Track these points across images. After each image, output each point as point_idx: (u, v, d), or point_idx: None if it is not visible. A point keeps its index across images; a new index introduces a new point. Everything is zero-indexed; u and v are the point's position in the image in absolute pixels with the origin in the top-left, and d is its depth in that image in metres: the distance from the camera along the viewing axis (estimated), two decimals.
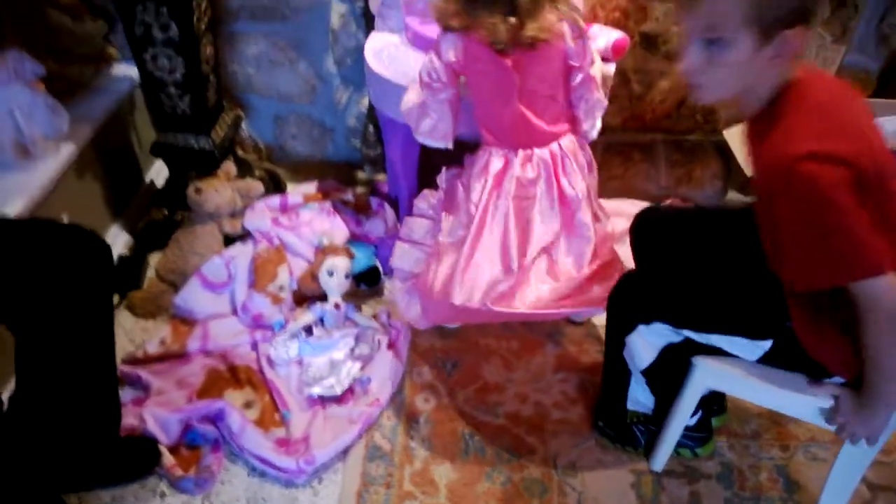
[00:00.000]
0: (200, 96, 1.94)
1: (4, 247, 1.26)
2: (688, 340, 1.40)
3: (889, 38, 2.18)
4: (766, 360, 1.33)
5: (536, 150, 1.63)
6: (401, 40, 1.90)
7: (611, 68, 1.84)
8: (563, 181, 1.65)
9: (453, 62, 1.55)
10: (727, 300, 1.34)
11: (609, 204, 2.32)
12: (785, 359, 1.32)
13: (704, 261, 1.49)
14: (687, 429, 1.56)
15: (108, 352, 1.40)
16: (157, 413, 1.59)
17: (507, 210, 1.63)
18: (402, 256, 1.84)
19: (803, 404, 1.32)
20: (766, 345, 1.30)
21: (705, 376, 1.40)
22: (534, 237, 1.63)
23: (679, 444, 1.59)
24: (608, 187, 2.47)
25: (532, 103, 1.59)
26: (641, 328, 1.40)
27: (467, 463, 1.62)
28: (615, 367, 1.55)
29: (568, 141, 1.67)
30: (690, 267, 1.53)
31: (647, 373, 1.51)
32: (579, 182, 1.66)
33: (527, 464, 1.63)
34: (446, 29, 1.53)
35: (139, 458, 1.54)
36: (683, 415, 1.49)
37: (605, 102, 1.70)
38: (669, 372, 1.49)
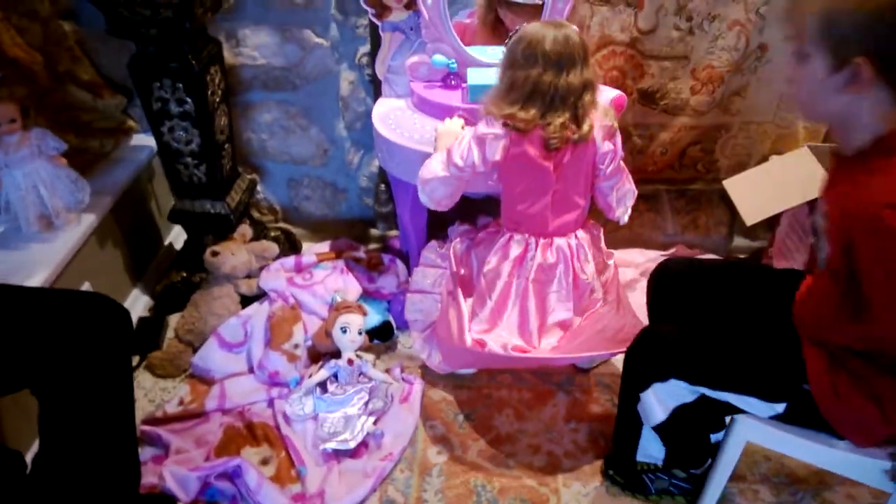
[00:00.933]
0: (216, 164, 2.04)
1: (28, 315, 1.33)
2: (701, 399, 1.41)
3: None
4: (782, 420, 1.35)
5: (556, 240, 1.71)
6: (406, 105, 1.99)
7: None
8: (578, 268, 1.72)
9: (496, 160, 1.61)
10: (744, 359, 1.36)
11: (617, 254, 2.37)
12: (801, 420, 1.34)
13: (721, 317, 1.52)
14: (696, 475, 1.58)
15: (128, 413, 1.45)
16: (176, 471, 1.63)
17: (525, 291, 1.70)
18: (414, 307, 1.92)
19: (852, 463, 1.34)
20: (780, 407, 1.32)
21: (747, 430, 1.41)
22: (550, 315, 1.72)
23: (675, 490, 1.63)
24: (616, 237, 2.53)
25: (560, 201, 1.67)
26: (657, 385, 1.42)
27: None
28: (628, 420, 1.56)
29: (584, 232, 1.76)
30: (707, 323, 1.55)
31: (658, 429, 1.53)
32: (590, 268, 1.75)
33: None
34: (510, 128, 1.57)
35: None
36: (724, 471, 1.50)
37: (636, 191, 1.80)
38: (682, 429, 1.51)
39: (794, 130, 2.26)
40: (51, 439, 1.36)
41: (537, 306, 1.72)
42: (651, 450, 1.60)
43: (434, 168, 1.66)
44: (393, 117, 1.93)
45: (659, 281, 1.64)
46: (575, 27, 1.56)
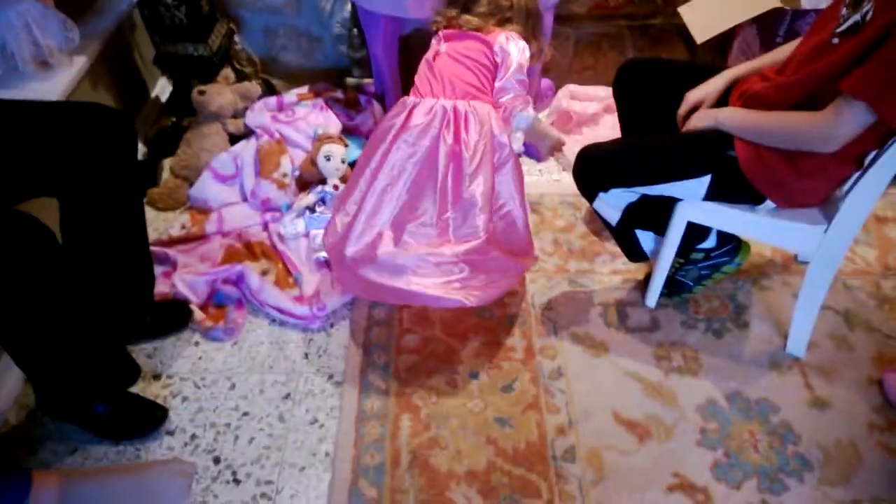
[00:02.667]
0: (195, 5, 2.13)
1: (41, 124, 1.45)
2: (643, 198, 1.62)
3: None
4: (710, 198, 1.55)
5: (442, 100, 1.67)
6: None
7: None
8: (463, 137, 1.63)
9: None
10: (667, 148, 1.55)
11: (582, 90, 2.53)
12: (726, 192, 1.54)
13: (671, 107, 1.68)
14: (712, 251, 1.77)
15: (139, 218, 1.63)
16: (186, 278, 1.84)
17: (398, 166, 1.63)
18: None
19: (774, 227, 1.55)
20: (706, 179, 1.52)
21: (685, 210, 1.61)
22: (421, 206, 1.65)
23: (705, 271, 1.81)
24: (582, 77, 2.68)
25: (453, 62, 1.73)
26: (601, 195, 1.62)
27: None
28: (612, 230, 1.77)
29: (485, 107, 1.69)
30: (661, 114, 1.73)
31: (617, 230, 1.74)
32: (481, 149, 1.63)
33: (508, 303, 1.88)
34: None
35: (174, 316, 1.79)
36: (670, 249, 1.71)
37: (532, 116, 1.74)
38: (639, 222, 1.72)
39: None
40: (72, 238, 1.53)
41: (414, 181, 1.63)
42: (649, 244, 1.80)
43: None
44: None
45: (623, 74, 1.78)
46: None
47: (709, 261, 1.80)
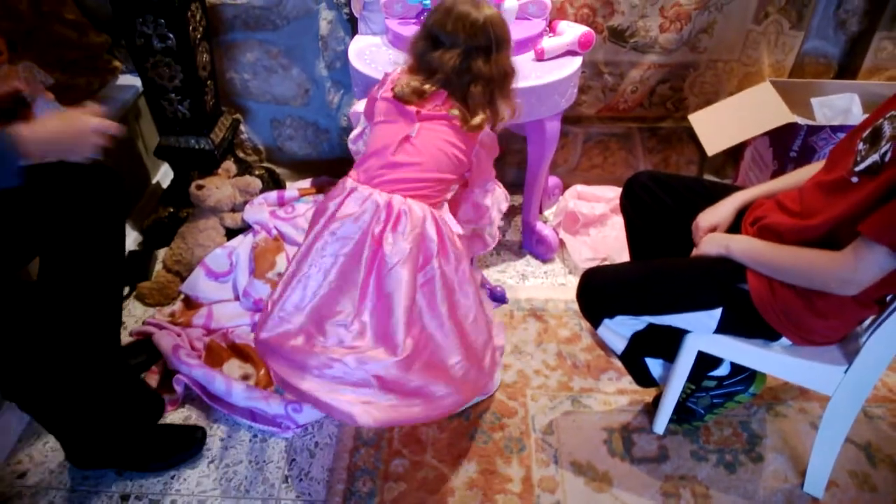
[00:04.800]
0: (199, 100, 2.11)
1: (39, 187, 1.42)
2: (651, 326, 1.53)
3: (847, 23, 2.30)
4: (721, 331, 1.46)
5: (377, 193, 1.45)
6: (382, 41, 2.05)
7: (577, 62, 1.98)
8: (386, 243, 1.42)
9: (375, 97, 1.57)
10: (676, 277, 1.47)
11: (589, 190, 2.48)
12: (739, 326, 1.45)
13: (679, 228, 1.61)
14: (725, 379, 1.67)
15: (118, 267, 1.62)
16: (163, 345, 1.83)
17: (322, 252, 1.46)
18: None
19: (787, 364, 1.46)
20: (717, 313, 1.42)
21: (695, 341, 1.52)
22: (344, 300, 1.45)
23: (717, 399, 1.70)
24: (590, 176, 2.63)
25: (411, 148, 1.48)
26: (607, 322, 1.53)
27: (451, 425, 1.75)
28: (622, 355, 1.65)
29: (428, 210, 1.48)
30: (666, 233, 1.67)
31: (624, 358, 1.64)
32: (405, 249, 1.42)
33: (507, 424, 1.76)
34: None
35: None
36: (679, 378, 1.61)
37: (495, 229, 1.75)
38: (646, 351, 1.63)
39: (760, 68, 2.34)
40: (48, 283, 1.51)
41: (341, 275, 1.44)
42: (658, 369, 1.68)
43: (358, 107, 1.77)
44: (369, 53, 2.00)
45: (630, 189, 1.71)
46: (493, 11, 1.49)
47: (721, 389, 1.69)
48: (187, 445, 1.66)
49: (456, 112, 1.48)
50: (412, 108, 1.48)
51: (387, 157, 1.47)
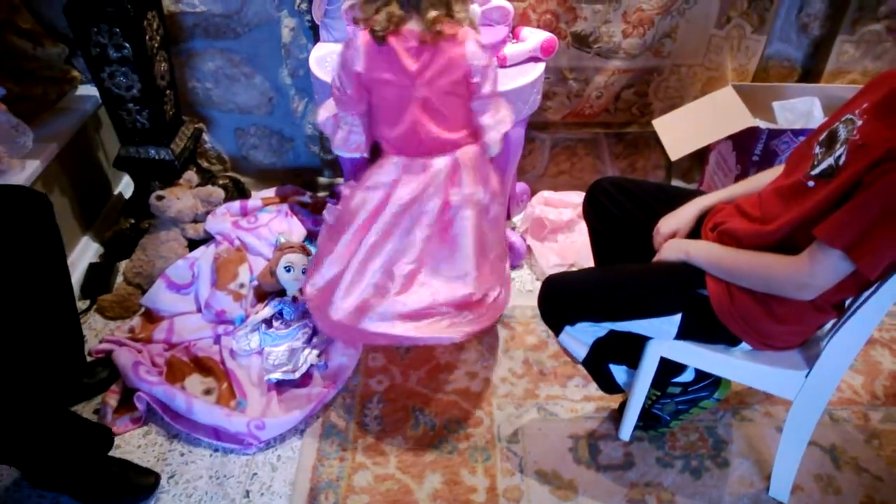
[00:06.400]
0: (158, 110, 2.07)
1: None
2: (612, 333, 1.52)
3: (808, 26, 2.32)
4: (682, 337, 1.45)
5: (433, 160, 1.61)
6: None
7: (540, 68, 1.98)
8: (453, 195, 1.62)
9: (359, 72, 1.54)
10: (636, 284, 1.46)
11: (556, 196, 2.47)
12: (699, 332, 1.44)
13: (639, 232, 1.60)
14: (690, 385, 1.67)
15: (65, 286, 1.63)
16: (124, 361, 1.79)
17: (389, 222, 1.61)
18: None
19: (747, 369, 1.46)
20: (677, 318, 1.42)
21: (657, 347, 1.51)
22: (410, 251, 1.62)
23: (682, 406, 1.69)
24: (557, 182, 2.63)
25: (431, 112, 1.58)
26: (568, 329, 1.52)
27: (416, 435, 1.74)
28: (585, 362, 1.66)
29: (469, 152, 1.65)
30: (609, 258, 1.67)
31: (587, 365, 1.63)
32: (478, 192, 1.64)
33: (472, 434, 1.74)
34: (353, 22, 1.55)
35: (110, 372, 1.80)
36: (643, 384, 1.60)
37: (512, 119, 1.70)
38: (607, 359, 1.62)
39: (723, 73, 2.35)
40: None
41: (399, 240, 1.61)
42: (622, 375, 1.68)
43: (323, 111, 1.70)
44: (330, 60, 1.97)
45: (592, 195, 1.70)
46: None
47: (686, 395, 1.68)
48: (135, 492, 1.57)
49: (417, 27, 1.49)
50: (410, 66, 1.52)
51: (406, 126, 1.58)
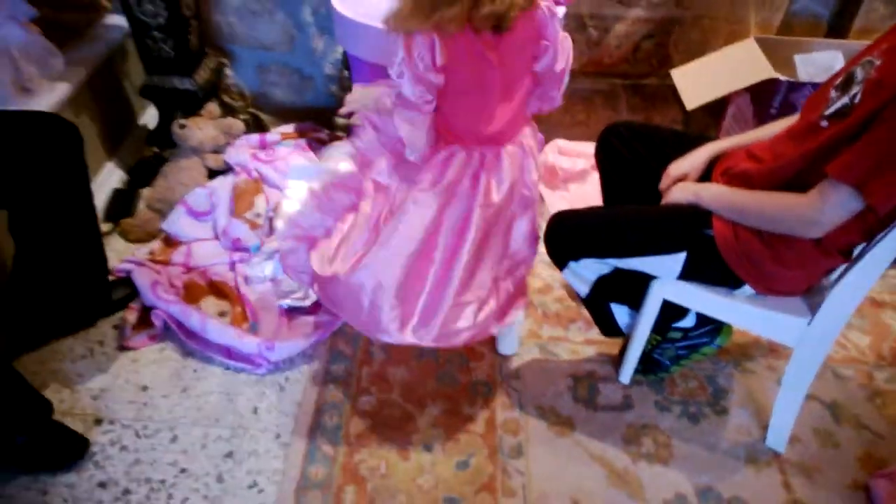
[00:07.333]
0: (183, 40, 2.10)
1: None
2: (616, 271, 1.54)
3: None
4: (685, 277, 1.47)
5: (507, 147, 1.46)
6: None
7: (560, 11, 1.96)
8: (525, 184, 1.52)
9: (438, 68, 1.31)
10: (641, 221, 1.48)
11: (571, 145, 2.47)
12: (703, 272, 1.46)
13: (650, 177, 1.61)
14: (690, 331, 1.69)
15: (89, 210, 1.66)
16: (143, 279, 1.85)
17: (462, 232, 1.46)
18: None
19: (751, 314, 1.47)
20: (681, 257, 1.43)
21: (660, 288, 1.53)
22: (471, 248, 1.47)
23: (682, 351, 1.72)
24: (573, 133, 2.62)
25: (509, 97, 1.41)
26: (572, 264, 1.55)
27: (420, 365, 1.78)
28: (586, 302, 1.69)
29: (529, 135, 1.54)
30: (617, 202, 1.68)
31: (589, 303, 1.65)
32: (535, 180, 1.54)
33: (473, 367, 1.79)
34: (414, 32, 1.28)
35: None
36: (644, 327, 1.62)
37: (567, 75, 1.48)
38: (611, 297, 1.64)
39: (746, 27, 2.32)
40: (24, 240, 1.57)
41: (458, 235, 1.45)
42: (624, 318, 1.70)
43: (404, 126, 1.40)
44: None
45: (606, 138, 1.70)
46: None
47: (687, 340, 1.71)
48: (62, 457, 1.52)
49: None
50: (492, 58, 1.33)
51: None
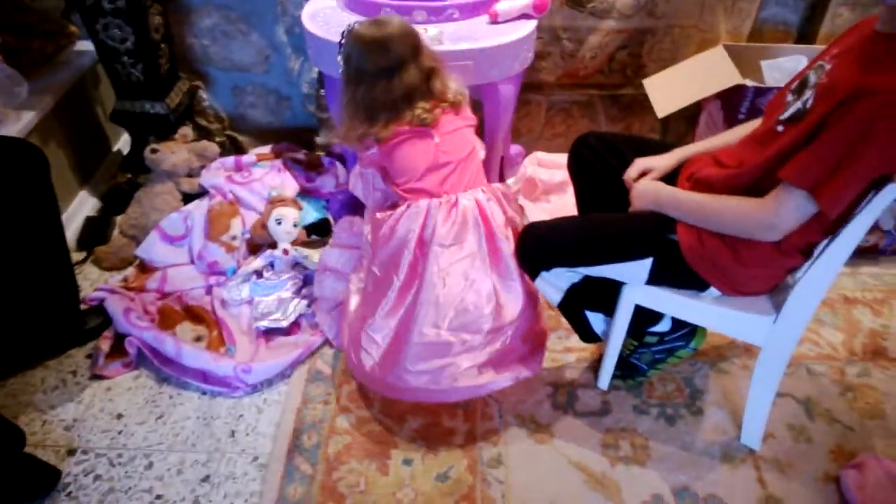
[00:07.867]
0: (153, 64, 2.11)
1: None
2: (586, 279, 1.56)
3: None
4: (654, 282, 1.48)
5: (461, 196, 1.60)
6: (336, 4, 2.05)
7: (531, 25, 1.99)
8: (496, 230, 1.60)
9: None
10: (608, 230, 1.49)
11: (549, 157, 2.49)
12: (670, 277, 1.48)
13: (610, 199, 1.63)
14: (666, 335, 1.70)
15: (59, 238, 1.67)
16: (116, 307, 1.83)
17: (433, 270, 1.56)
18: (322, 286, 1.93)
19: (717, 314, 1.49)
20: (648, 262, 1.45)
21: (630, 293, 1.54)
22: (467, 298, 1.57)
23: (659, 355, 1.73)
24: (553, 145, 2.64)
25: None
26: (544, 273, 1.56)
27: None
28: (563, 310, 1.69)
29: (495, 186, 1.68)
30: (598, 201, 1.69)
31: (563, 311, 1.67)
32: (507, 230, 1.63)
33: None
34: (375, 144, 1.61)
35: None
36: (619, 332, 1.63)
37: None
38: (583, 305, 1.65)
39: (717, 35, 2.34)
40: None
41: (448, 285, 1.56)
42: (600, 325, 1.71)
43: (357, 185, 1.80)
44: (322, 15, 1.99)
45: (578, 149, 1.72)
46: (398, 21, 1.57)
47: (663, 344, 1.72)
48: (34, 489, 1.51)
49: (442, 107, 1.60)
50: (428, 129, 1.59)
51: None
